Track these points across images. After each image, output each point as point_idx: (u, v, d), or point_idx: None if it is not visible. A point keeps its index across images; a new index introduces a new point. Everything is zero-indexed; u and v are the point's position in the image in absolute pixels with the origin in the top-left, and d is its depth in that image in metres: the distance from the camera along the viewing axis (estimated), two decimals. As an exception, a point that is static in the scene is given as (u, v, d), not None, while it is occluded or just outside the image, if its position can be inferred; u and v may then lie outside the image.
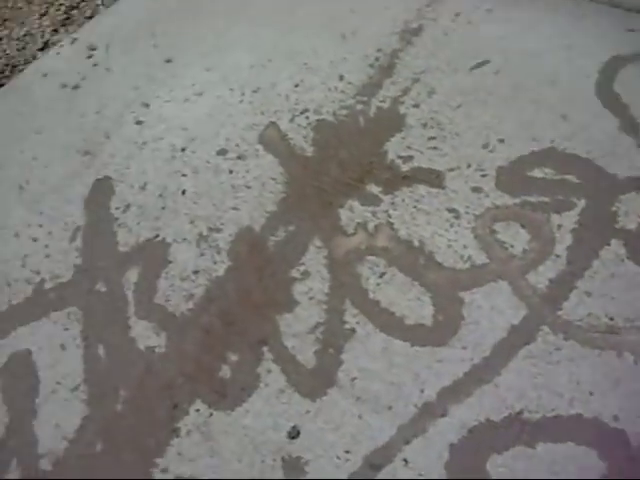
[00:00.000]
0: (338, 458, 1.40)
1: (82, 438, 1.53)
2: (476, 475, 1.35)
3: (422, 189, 1.75)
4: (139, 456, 1.48)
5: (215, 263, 1.72)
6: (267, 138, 1.94)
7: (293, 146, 1.91)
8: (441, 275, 1.60)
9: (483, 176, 1.74)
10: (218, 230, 1.78)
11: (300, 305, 1.61)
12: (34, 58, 2.39)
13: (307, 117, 1.96)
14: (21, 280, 1.80)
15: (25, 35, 2.47)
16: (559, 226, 1.63)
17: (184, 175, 1.91)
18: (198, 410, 1.51)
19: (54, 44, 2.40)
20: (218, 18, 2.35)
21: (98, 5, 2.58)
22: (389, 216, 1.72)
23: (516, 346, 1.48)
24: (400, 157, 1.82)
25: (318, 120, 1.95)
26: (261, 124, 1.98)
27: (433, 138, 1.84)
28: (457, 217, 1.68)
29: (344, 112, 1.95)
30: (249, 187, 1.85)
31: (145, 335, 1.64)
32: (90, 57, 2.29)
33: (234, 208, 1.81)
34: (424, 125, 1.87)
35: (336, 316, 1.58)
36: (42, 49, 2.41)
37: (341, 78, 2.04)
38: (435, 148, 1.82)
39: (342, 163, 1.84)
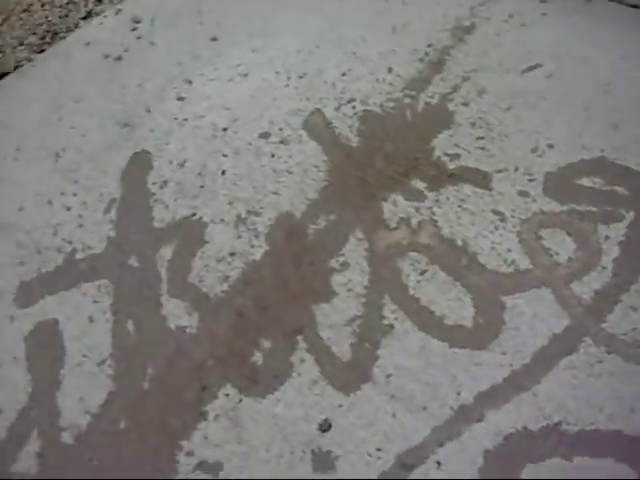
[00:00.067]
0: (369, 455, 1.37)
1: (106, 414, 1.50)
2: (511, 484, 1.32)
3: (468, 189, 1.71)
4: (164, 437, 1.45)
5: (252, 247, 1.69)
6: (311, 124, 1.91)
7: (338, 135, 1.87)
8: (483, 277, 1.57)
9: (531, 180, 1.71)
10: (257, 214, 1.74)
11: (338, 296, 1.58)
12: (76, 27, 2.36)
13: (353, 107, 1.93)
14: (52, 248, 1.78)
15: (68, 3, 2.44)
16: (606, 237, 1.59)
17: (225, 155, 1.88)
18: (227, 395, 1.48)
19: (97, 14, 2.38)
20: (265, 1, 2.31)
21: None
22: (433, 213, 1.68)
23: (557, 355, 1.44)
24: (447, 155, 1.78)
25: (364, 110, 1.91)
26: (306, 110, 1.95)
27: (481, 138, 1.80)
28: (502, 220, 1.65)
29: (391, 105, 1.92)
30: (291, 172, 1.81)
31: (177, 314, 1.61)
32: (134, 29, 2.27)
33: (274, 192, 1.78)
34: (473, 124, 1.84)
35: (374, 310, 1.54)
36: (85, 18, 2.38)
37: (390, 70, 2.00)
38: (483, 148, 1.78)
39: (387, 156, 1.80)
